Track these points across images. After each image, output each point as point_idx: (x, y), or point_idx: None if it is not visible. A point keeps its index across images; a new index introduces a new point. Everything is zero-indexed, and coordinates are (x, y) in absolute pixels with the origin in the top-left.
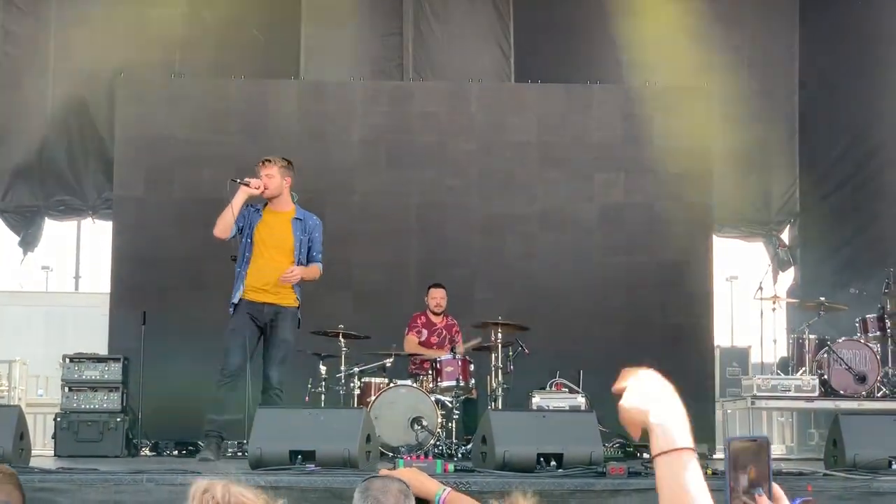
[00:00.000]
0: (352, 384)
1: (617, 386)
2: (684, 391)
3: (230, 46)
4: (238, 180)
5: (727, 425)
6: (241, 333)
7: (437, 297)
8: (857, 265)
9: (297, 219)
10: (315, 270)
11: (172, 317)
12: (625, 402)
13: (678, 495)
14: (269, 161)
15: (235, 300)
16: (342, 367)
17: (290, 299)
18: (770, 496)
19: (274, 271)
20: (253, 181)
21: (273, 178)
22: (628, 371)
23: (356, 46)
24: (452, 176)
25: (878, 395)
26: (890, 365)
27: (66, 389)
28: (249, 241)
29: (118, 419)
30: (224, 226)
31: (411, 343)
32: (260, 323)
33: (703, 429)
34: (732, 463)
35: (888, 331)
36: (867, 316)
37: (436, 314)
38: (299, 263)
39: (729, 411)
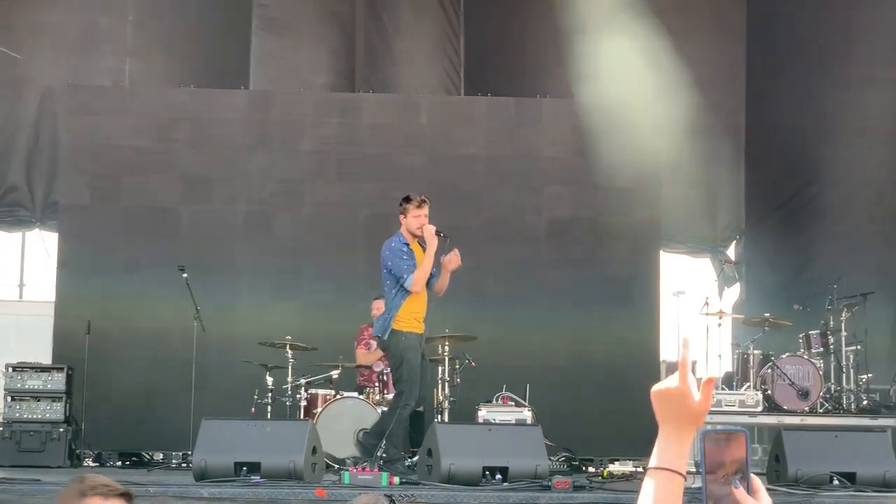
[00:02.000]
0: (298, 396)
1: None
2: (629, 405)
3: (179, 55)
4: (443, 234)
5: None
6: (419, 366)
7: (379, 307)
8: (802, 282)
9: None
10: None
11: (117, 326)
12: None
13: None
14: (427, 201)
15: (402, 329)
16: (289, 379)
17: None
18: (749, 489)
19: (425, 302)
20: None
21: (426, 218)
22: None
23: (306, 57)
24: (401, 188)
25: (821, 410)
26: (832, 381)
27: (9, 399)
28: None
29: (61, 429)
30: (424, 281)
31: (361, 356)
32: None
33: (647, 443)
34: (709, 455)
35: (831, 347)
36: (810, 332)
37: None
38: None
39: None
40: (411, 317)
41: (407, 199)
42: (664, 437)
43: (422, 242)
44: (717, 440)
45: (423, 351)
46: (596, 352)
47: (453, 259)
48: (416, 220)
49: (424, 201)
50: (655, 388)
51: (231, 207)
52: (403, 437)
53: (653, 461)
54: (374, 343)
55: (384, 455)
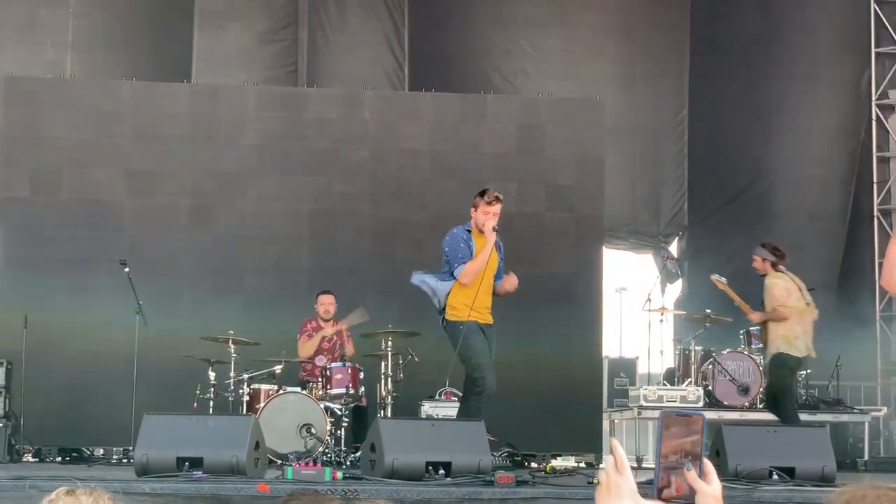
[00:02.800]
0: (241, 391)
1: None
2: (572, 401)
3: (121, 48)
4: (496, 228)
5: (614, 435)
6: (488, 354)
7: (326, 304)
8: (743, 278)
9: (496, 242)
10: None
11: (57, 320)
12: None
13: None
14: (500, 199)
15: (457, 319)
16: (231, 374)
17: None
18: (701, 472)
19: (488, 293)
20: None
21: (497, 217)
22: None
23: (250, 51)
24: (344, 182)
25: (761, 405)
26: None
27: None
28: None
29: (0, 424)
30: (474, 276)
31: (304, 347)
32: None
33: (589, 439)
34: (665, 437)
35: None
36: (751, 328)
37: (325, 320)
38: (497, 280)
39: (616, 421)
40: (462, 304)
41: (481, 194)
42: None
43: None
44: (674, 422)
45: (490, 342)
46: (539, 347)
47: (513, 282)
48: (484, 216)
49: (497, 199)
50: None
51: (174, 201)
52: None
53: None
54: (316, 335)
55: None
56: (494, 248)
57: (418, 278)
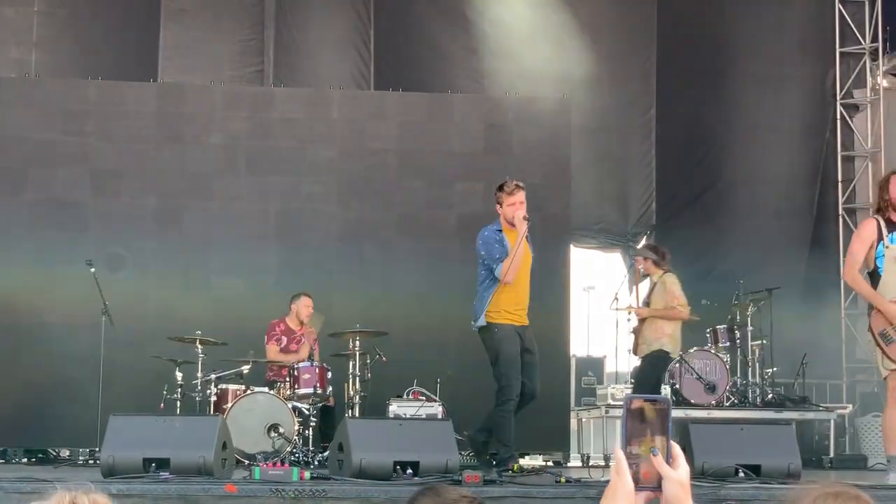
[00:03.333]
0: (208, 391)
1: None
2: (540, 400)
3: (87, 47)
4: (527, 218)
5: (582, 434)
6: (518, 357)
7: (310, 306)
8: (710, 277)
9: (528, 236)
10: None
11: (23, 321)
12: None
13: None
14: (521, 187)
15: (494, 322)
16: (199, 374)
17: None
18: (668, 456)
19: (526, 291)
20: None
21: (524, 205)
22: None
23: (216, 50)
24: (312, 182)
25: (727, 404)
26: (739, 375)
27: None
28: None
29: None
30: (515, 271)
31: (272, 352)
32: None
33: (557, 437)
34: (631, 422)
35: (737, 341)
36: (717, 327)
37: (302, 323)
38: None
39: (584, 420)
40: (502, 309)
41: (500, 188)
42: None
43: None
44: (640, 408)
45: (526, 343)
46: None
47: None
48: (511, 208)
49: (518, 187)
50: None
51: (140, 201)
52: (510, 432)
53: None
54: (284, 339)
55: (496, 454)
56: (527, 240)
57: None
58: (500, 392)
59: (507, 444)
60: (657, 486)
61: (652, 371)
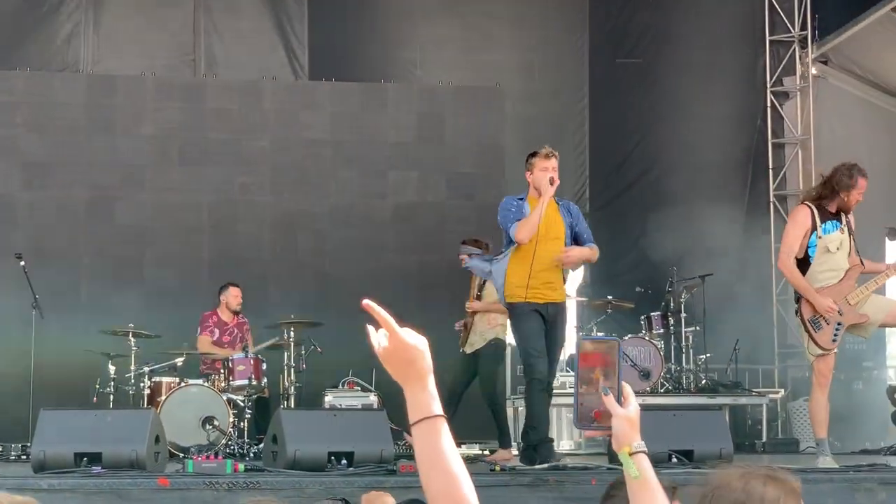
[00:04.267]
0: (142, 384)
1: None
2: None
3: (14, 37)
4: (555, 180)
5: (518, 423)
6: (543, 336)
7: (238, 296)
8: (644, 265)
9: (559, 204)
10: (589, 252)
11: None
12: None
13: (435, 459)
14: (555, 154)
15: (512, 302)
16: (132, 367)
17: (563, 294)
18: (619, 395)
19: (549, 266)
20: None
21: (556, 172)
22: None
23: (147, 41)
24: (245, 173)
25: (662, 390)
26: (673, 361)
27: None
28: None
29: None
30: (531, 231)
31: (204, 343)
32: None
33: (493, 427)
34: (582, 362)
35: (671, 328)
36: (652, 314)
37: (234, 313)
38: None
39: (520, 409)
40: (516, 285)
41: (533, 154)
42: (410, 393)
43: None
44: (591, 349)
45: (552, 319)
46: (442, 336)
47: (581, 252)
48: (543, 172)
49: (553, 153)
50: (382, 353)
51: (71, 193)
52: (537, 414)
53: (411, 418)
54: (217, 331)
55: (529, 442)
56: (559, 212)
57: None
58: (525, 370)
59: (534, 427)
60: (607, 426)
61: (495, 361)
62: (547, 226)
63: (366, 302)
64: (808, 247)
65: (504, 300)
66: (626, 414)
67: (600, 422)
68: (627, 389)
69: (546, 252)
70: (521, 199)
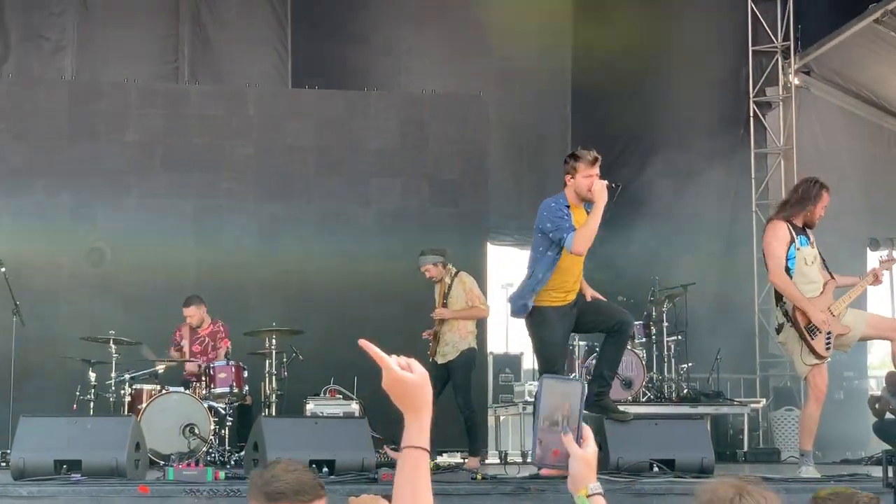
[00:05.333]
0: (122, 391)
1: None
2: (451, 399)
3: None
4: (615, 184)
5: (499, 431)
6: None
7: (188, 314)
8: (626, 273)
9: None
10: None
11: None
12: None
13: (404, 487)
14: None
15: (540, 305)
16: (113, 374)
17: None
18: (578, 436)
19: (579, 270)
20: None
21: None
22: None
23: (131, 47)
24: (229, 179)
25: (644, 399)
26: (655, 370)
27: None
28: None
29: None
30: (589, 243)
31: (175, 356)
32: (571, 326)
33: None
34: (544, 402)
35: (653, 337)
36: (634, 323)
37: (195, 328)
38: None
39: (502, 417)
40: (553, 290)
41: (575, 157)
42: (406, 420)
43: (587, 207)
44: (554, 388)
45: (573, 316)
46: (424, 344)
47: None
48: (587, 180)
49: (597, 158)
50: (384, 385)
51: (54, 199)
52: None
53: (403, 442)
54: (186, 342)
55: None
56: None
57: (517, 305)
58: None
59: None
60: (565, 465)
61: (468, 371)
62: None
63: (362, 342)
64: (788, 258)
65: (533, 307)
66: (584, 455)
67: (559, 461)
68: (587, 432)
69: (578, 260)
70: (568, 205)
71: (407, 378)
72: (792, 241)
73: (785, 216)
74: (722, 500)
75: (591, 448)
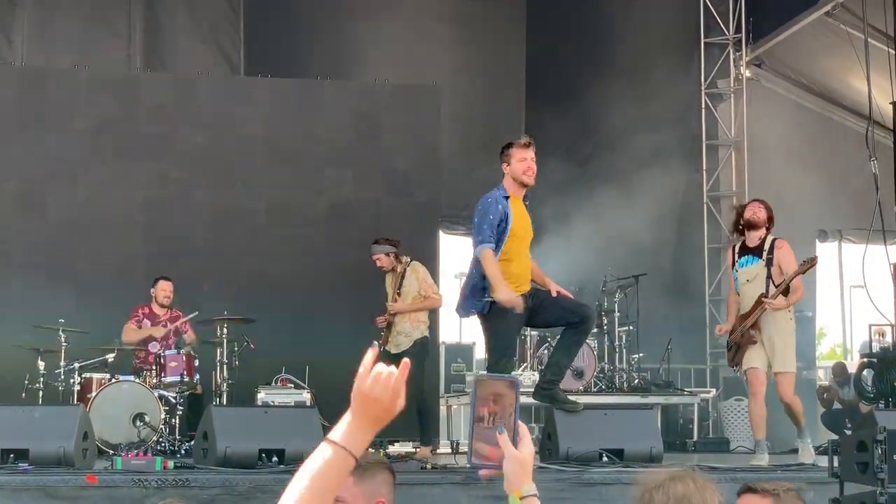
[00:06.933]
0: (72, 380)
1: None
2: (409, 388)
3: None
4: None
5: (451, 421)
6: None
7: (167, 290)
8: (580, 264)
9: (524, 198)
10: None
11: None
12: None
13: (319, 485)
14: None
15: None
16: (62, 363)
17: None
18: (515, 434)
19: (527, 259)
20: None
21: (534, 161)
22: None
23: (81, 34)
24: (179, 168)
25: (595, 389)
26: (606, 360)
27: None
28: (504, 235)
29: None
30: (493, 276)
31: (129, 331)
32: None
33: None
34: (479, 400)
35: (605, 327)
36: (596, 318)
37: (163, 307)
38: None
39: (454, 407)
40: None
41: (509, 145)
42: (356, 426)
43: (527, 198)
44: (489, 387)
45: (527, 308)
46: (375, 333)
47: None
48: (522, 164)
49: (530, 142)
50: (357, 391)
51: (1, 187)
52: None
53: (338, 435)
54: (148, 322)
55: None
56: (523, 204)
57: (467, 304)
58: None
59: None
60: (500, 465)
61: (421, 361)
62: (522, 226)
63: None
64: (734, 280)
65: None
66: (519, 455)
67: (493, 461)
68: (524, 430)
69: (525, 249)
70: (507, 197)
71: (378, 399)
72: (733, 264)
73: (736, 236)
74: (657, 482)
75: (526, 448)
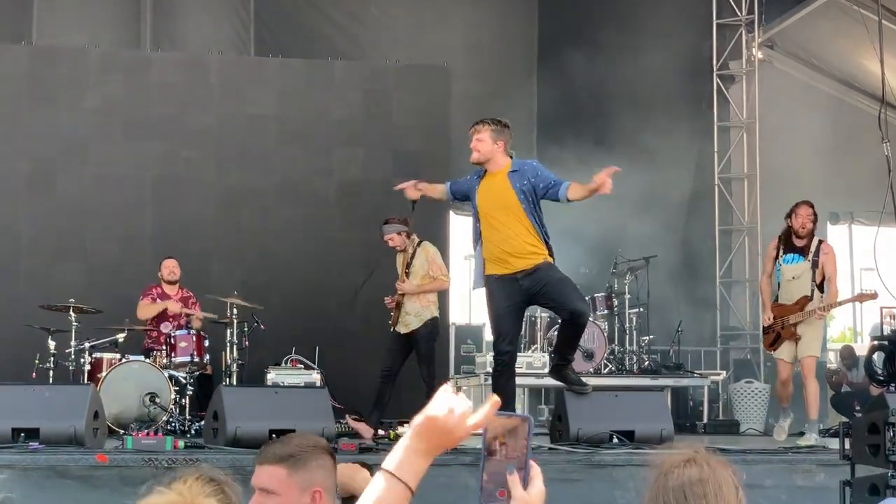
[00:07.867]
0: (82, 360)
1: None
2: (419, 367)
3: None
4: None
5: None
6: (514, 313)
7: (170, 266)
8: (589, 246)
9: (512, 171)
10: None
11: None
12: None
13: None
14: (480, 124)
15: (488, 274)
16: (72, 342)
17: (540, 256)
18: (526, 476)
19: (507, 237)
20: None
21: (484, 143)
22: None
23: (92, 13)
24: (189, 148)
25: (605, 371)
26: (616, 342)
27: None
28: (476, 213)
29: None
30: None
31: (143, 307)
32: (521, 297)
33: None
34: (490, 438)
35: (615, 309)
36: (596, 295)
37: (170, 283)
38: (531, 215)
39: (464, 388)
40: (490, 261)
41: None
42: (414, 451)
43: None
44: (501, 424)
45: (523, 288)
46: (385, 315)
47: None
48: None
49: (472, 125)
50: (430, 415)
51: (11, 166)
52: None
53: (393, 465)
54: (160, 301)
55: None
56: (507, 178)
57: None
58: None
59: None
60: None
61: (431, 342)
62: (489, 199)
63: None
64: (776, 272)
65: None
66: (527, 498)
67: (503, 500)
68: (535, 471)
69: (504, 224)
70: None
71: (451, 431)
72: (776, 258)
73: (784, 231)
74: (671, 465)
75: (536, 489)
